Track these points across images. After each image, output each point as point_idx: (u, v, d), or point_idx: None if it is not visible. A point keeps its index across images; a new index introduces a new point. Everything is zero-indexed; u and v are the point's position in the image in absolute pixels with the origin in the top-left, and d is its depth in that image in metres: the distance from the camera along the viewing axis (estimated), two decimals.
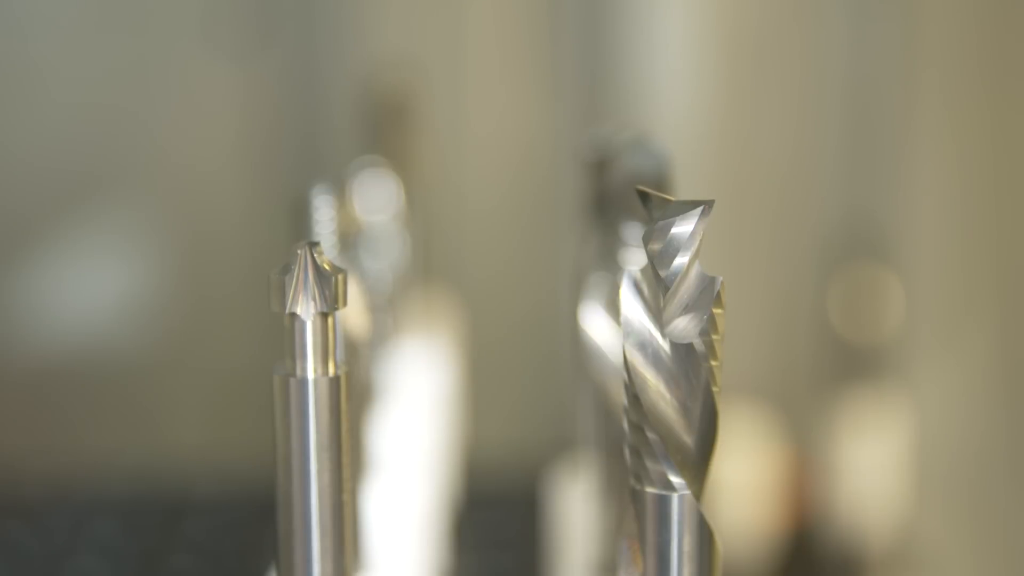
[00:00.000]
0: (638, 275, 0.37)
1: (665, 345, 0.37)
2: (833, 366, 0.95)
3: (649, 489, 0.37)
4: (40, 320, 0.97)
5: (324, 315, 0.38)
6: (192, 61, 0.95)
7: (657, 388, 0.37)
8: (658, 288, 0.37)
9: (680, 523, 0.37)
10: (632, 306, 0.37)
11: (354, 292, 0.42)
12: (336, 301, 0.38)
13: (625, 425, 0.37)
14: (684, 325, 0.37)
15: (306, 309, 0.38)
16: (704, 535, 0.37)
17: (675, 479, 0.37)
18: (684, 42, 0.95)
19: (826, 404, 0.92)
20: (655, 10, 0.95)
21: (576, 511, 0.50)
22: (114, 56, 0.96)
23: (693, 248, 0.36)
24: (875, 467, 0.88)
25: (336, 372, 0.38)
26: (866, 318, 0.90)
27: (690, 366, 0.36)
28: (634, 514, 0.37)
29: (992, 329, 0.99)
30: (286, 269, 0.38)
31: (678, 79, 0.96)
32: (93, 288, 0.97)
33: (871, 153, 0.97)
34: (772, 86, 0.97)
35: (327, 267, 0.38)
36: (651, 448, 0.37)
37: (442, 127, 0.93)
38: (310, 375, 0.38)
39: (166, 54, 0.96)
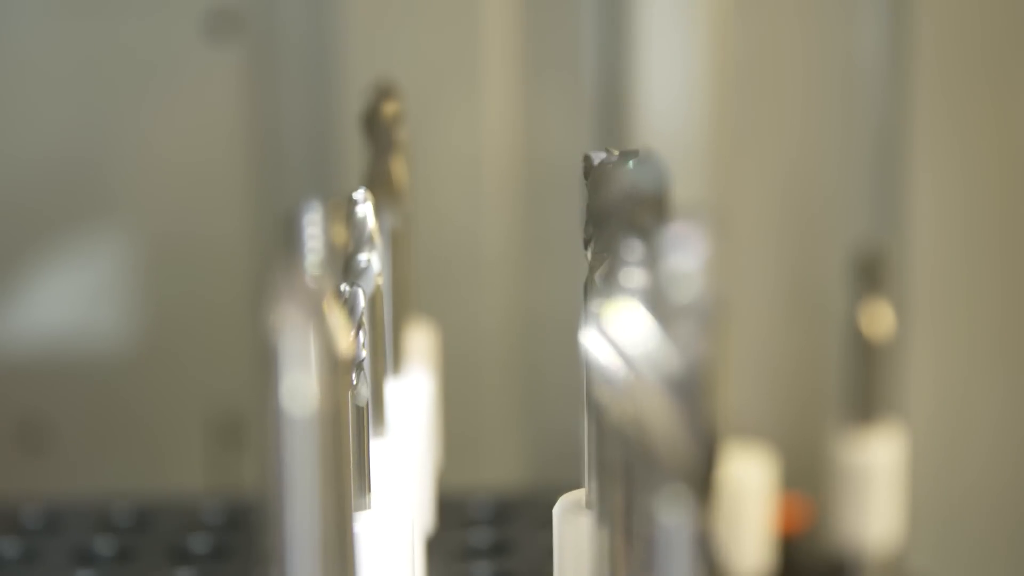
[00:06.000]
0: (640, 295, 0.36)
1: (667, 367, 0.36)
2: (830, 395, 0.94)
3: (651, 517, 0.36)
4: (21, 334, 0.96)
5: (309, 334, 0.37)
6: (188, 65, 0.95)
7: (659, 413, 0.36)
8: (660, 308, 0.36)
9: (682, 553, 0.36)
10: (633, 327, 0.36)
11: (341, 312, 0.42)
12: (322, 320, 0.37)
13: (626, 451, 0.36)
14: (686, 346, 0.36)
15: (289, 328, 0.37)
16: (708, 565, 0.36)
17: (677, 507, 0.36)
18: (685, 58, 0.95)
19: (823, 437, 0.91)
20: (656, 27, 0.94)
21: (577, 540, 0.50)
22: (110, 52, 0.95)
23: (695, 267, 0.36)
24: (870, 498, 0.88)
25: (321, 392, 0.37)
26: (866, 347, 0.89)
27: (692, 389, 0.36)
28: (636, 544, 0.36)
29: (998, 350, 0.99)
30: (271, 287, 0.37)
31: (679, 95, 0.95)
32: (76, 300, 0.96)
33: (876, 177, 0.97)
34: (773, 104, 0.97)
35: (313, 286, 0.37)
36: (652, 475, 0.36)
37: (434, 145, 0.93)
38: (294, 394, 0.37)
39: (161, 58, 0.95)
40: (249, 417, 0.97)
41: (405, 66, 0.93)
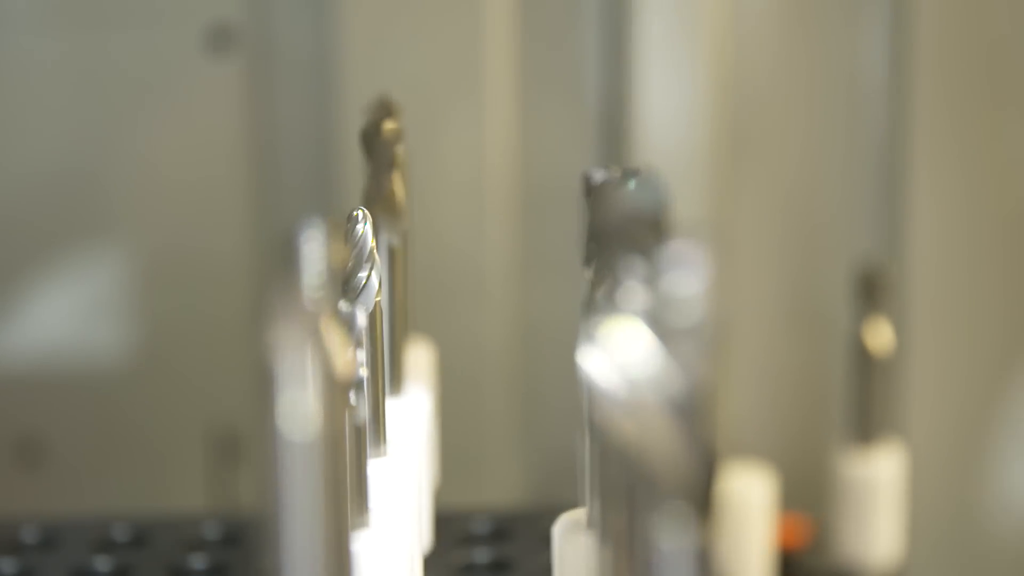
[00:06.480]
0: (640, 314, 0.36)
1: (667, 387, 0.35)
2: (831, 412, 0.94)
3: (652, 537, 0.36)
4: (19, 349, 0.96)
5: (306, 354, 0.37)
6: (187, 80, 0.95)
7: (659, 432, 0.36)
8: (660, 328, 0.36)
9: (684, 573, 0.36)
10: (634, 346, 0.36)
11: (339, 331, 0.41)
12: (320, 340, 0.37)
13: (626, 471, 0.36)
14: (686, 365, 0.36)
15: (289, 350, 0.37)
16: None
17: (678, 526, 0.36)
18: (686, 76, 0.95)
19: (824, 454, 0.91)
20: (657, 45, 0.94)
21: (578, 559, 0.50)
22: (109, 67, 0.94)
23: (695, 286, 0.35)
24: (872, 515, 0.87)
25: (319, 411, 0.37)
26: (868, 364, 0.89)
27: (693, 408, 0.36)
28: (637, 564, 0.36)
29: (1000, 367, 0.98)
30: (270, 310, 0.37)
31: (679, 113, 0.95)
32: (73, 315, 0.96)
33: (877, 194, 0.97)
34: (775, 121, 0.97)
35: (311, 305, 0.37)
36: (653, 495, 0.36)
37: (434, 163, 0.93)
38: (292, 414, 0.37)
39: (159, 73, 0.95)
40: (248, 433, 0.96)
41: (405, 83, 0.93)
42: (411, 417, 0.65)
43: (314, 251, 0.43)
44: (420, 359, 0.71)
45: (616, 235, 0.40)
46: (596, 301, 0.44)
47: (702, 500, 0.35)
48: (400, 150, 0.67)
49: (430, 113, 0.94)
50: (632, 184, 0.42)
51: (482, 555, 0.71)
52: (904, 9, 0.95)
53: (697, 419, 0.35)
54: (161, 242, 0.96)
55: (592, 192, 0.46)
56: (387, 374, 0.63)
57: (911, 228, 0.97)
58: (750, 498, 0.83)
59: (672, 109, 0.95)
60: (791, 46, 0.97)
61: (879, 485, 0.88)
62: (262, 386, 0.37)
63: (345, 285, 0.57)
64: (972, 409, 0.99)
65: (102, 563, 0.72)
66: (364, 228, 0.57)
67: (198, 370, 0.96)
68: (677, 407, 0.35)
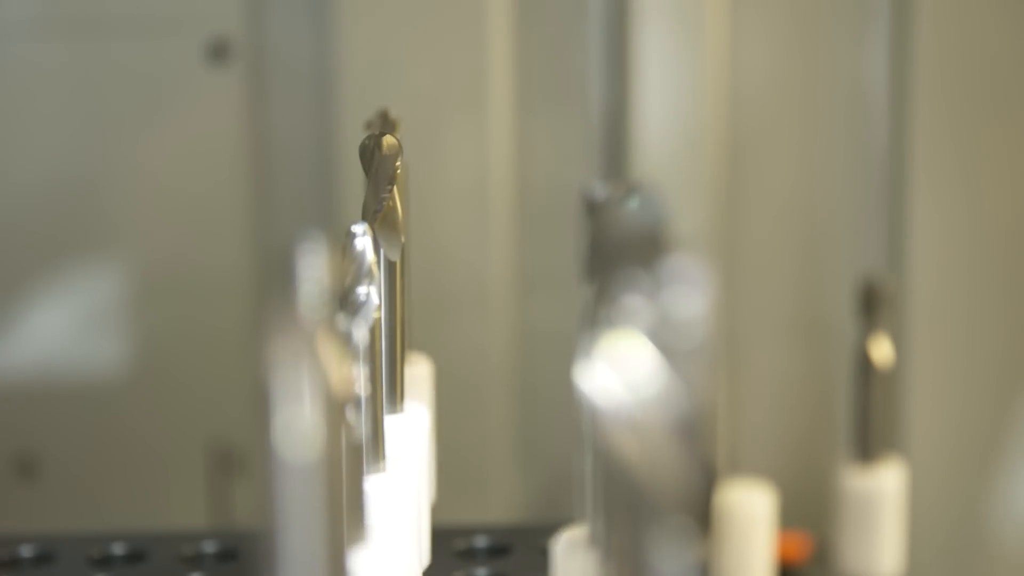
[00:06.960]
0: (638, 333, 0.36)
1: (668, 402, 0.35)
2: (834, 427, 0.94)
3: (653, 553, 0.35)
4: (16, 363, 0.96)
5: (304, 371, 0.36)
6: (187, 91, 0.94)
7: (658, 450, 0.35)
8: (661, 343, 0.35)
9: None
10: (634, 362, 0.36)
11: (338, 347, 0.41)
12: (318, 356, 0.36)
13: (627, 487, 0.36)
14: (688, 381, 0.35)
15: (287, 366, 0.36)
16: None
17: (678, 542, 0.35)
18: (687, 89, 0.95)
19: (827, 470, 0.91)
20: (658, 58, 0.94)
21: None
22: (109, 80, 0.94)
23: (696, 302, 0.35)
24: (874, 531, 0.87)
25: (317, 428, 0.37)
26: (872, 379, 0.88)
27: (693, 424, 0.35)
28: None
29: (1004, 380, 0.98)
30: (268, 325, 0.36)
31: (681, 126, 0.95)
32: (71, 329, 0.96)
33: (880, 207, 0.97)
34: (777, 133, 0.97)
35: (310, 321, 0.37)
36: (652, 513, 0.35)
37: (434, 177, 0.93)
38: (289, 432, 0.37)
39: (160, 85, 0.95)
40: (245, 447, 0.96)
41: (405, 96, 0.93)
42: (410, 433, 0.65)
43: (313, 266, 0.43)
44: (419, 375, 0.70)
45: (617, 252, 0.40)
46: (597, 317, 0.44)
47: (702, 516, 0.35)
48: (399, 165, 0.66)
49: (430, 126, 0.94)
50: (633, 199, 0.42)
51: (481, 571, 0.71)
52: (905, 23, 0.95)
53: (698, 435, 0.35)
54: (159, 255, 0.96)
55: (592, 207, 0.46)
56: (386, 390, 0.63)
57: (913, 242, 0.97)
58: (751, 513, 0.83)
59: (673, 123, 0.95)
60: (792, 60, 0.97)
61: (881, 500, 0.87)
62: (260, 403, 0.37)
63: (344, 300, 0.56)
64: (974, 423, 0.99)
65: None
66: (363, 243, 0.57)
67: (196, 384, 0.96)
68: (678, 423, 0.35)
